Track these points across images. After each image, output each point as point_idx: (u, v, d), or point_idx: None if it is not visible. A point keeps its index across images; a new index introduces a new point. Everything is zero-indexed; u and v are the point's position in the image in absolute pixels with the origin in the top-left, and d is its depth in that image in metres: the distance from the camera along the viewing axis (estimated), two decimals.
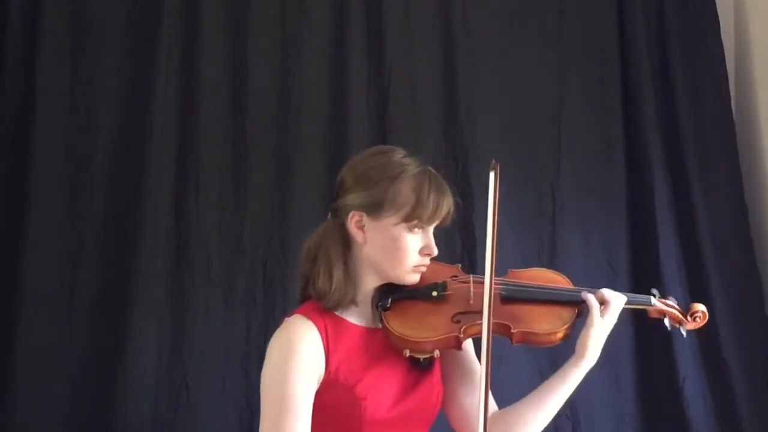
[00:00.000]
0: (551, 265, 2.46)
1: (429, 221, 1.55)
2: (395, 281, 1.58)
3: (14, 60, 2.37)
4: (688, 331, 1.72)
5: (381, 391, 1.52)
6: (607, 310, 1.58)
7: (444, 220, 1.57)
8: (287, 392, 1.46)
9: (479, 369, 1.46)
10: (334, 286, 1.53)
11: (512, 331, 1.55)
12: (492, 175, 1.46)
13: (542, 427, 1.62)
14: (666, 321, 1.70)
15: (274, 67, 2.48)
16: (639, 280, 2.49)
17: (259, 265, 2.38)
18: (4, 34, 2.37)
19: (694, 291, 2.47)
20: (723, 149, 2.57)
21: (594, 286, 1.67)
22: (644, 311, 1.71)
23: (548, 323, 1.57)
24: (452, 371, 1.67)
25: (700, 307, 1.71)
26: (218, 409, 2.30)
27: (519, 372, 2.33)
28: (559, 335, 1.58)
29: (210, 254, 2.37)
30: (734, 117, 2.60)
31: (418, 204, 1.52)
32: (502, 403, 1.69)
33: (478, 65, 2.55)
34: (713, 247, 2.50)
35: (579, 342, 1.58)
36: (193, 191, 2.39)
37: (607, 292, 1.61)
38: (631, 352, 2.48)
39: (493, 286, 1.44)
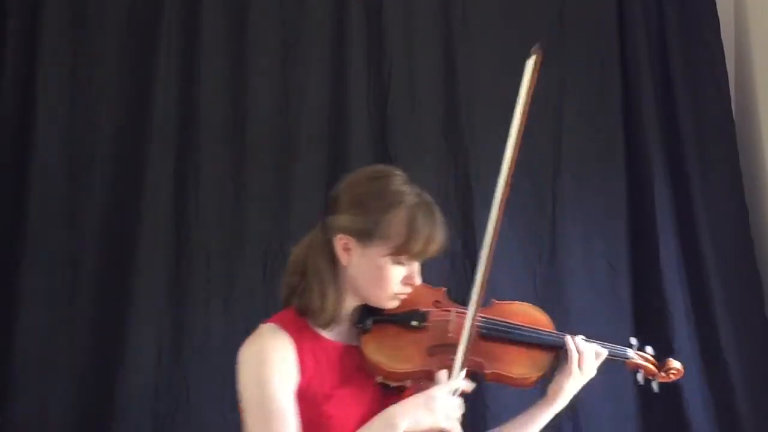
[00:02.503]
0: (551, 266, 2.47)
1: (417, 257, 1.51)
2: (374, 305, 1.55)
3: (14, 60, 2.37)
4: (659, 385, 1.69)
5: (349, 410, 1.48)
6: (583, 362, 1.56)
7: (433, 254, 1.53)
8: (268, 396, 1.43)
9: None
10: (327, 307, 1.50)
11: (485, 371, 1.53)
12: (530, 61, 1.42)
13: None
14: (639, 375, 1.69)
15: (274, 68, 2.49)
16: (639, 280, 2.49)
17: (259, 265, 2.38)
18: (4, 34, 2.37)
19: (693, 291, 2.47)
20: (723, 149, 2.58)
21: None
22: (621, 363, 1.69)
23: (524, 367, 1.55)
24: None
25: (676, 364, 1.69)
26: (218, 409, 2.30)
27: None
28: (533, 379, 1.56)
29: (210, 254, 2.37)
30: (734, 117, 2.60)
31: (408, 239, 1.48)
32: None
33: (478, 65, 2.55)
34: (713, 247, 2.50)
35: (552, 387, 1.57)
36: (193, 191, 2.39)
37: (581, 344, 1.58)
38: None
39: (474, 323, 1.43)
